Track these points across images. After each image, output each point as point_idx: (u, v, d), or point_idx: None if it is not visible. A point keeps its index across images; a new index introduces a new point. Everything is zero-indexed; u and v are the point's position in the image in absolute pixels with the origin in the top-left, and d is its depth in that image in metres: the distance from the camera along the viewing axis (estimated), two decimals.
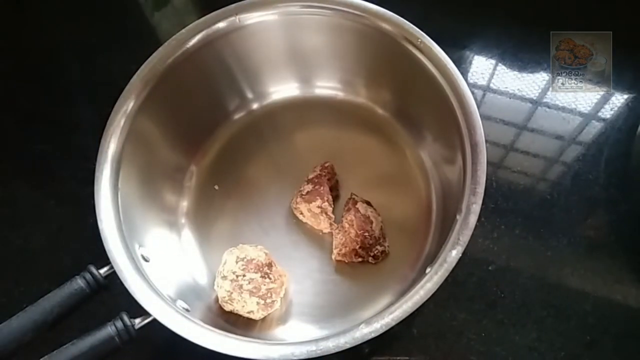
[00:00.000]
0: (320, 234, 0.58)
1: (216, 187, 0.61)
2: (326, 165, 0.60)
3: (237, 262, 0.52)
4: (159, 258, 0.50)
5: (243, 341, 0.40)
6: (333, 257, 0.55)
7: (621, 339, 0.55)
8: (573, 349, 0.54)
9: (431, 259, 0.45)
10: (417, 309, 0.40)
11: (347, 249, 0.54)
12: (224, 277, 0.51)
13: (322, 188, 0.57)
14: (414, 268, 0.54)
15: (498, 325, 0.55)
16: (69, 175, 0.66)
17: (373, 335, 0.39)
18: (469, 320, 0.55)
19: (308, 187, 0.57)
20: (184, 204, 0.60)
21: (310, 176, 0.59)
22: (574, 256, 0.58)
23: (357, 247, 0.54)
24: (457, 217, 0.44)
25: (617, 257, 0.58)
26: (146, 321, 0.42)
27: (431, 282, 0.41)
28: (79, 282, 0.43)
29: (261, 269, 0.52)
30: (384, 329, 0.39)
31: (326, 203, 0.56)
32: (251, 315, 0.52)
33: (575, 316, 0.55)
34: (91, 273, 0.44)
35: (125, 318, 0.42)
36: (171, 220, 0.58)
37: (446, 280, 0.41)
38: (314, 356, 0.39)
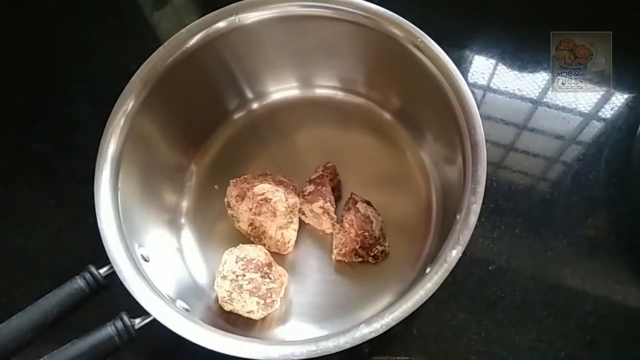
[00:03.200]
0: (321, 234, 0.58)
1: (216, 187, 0.61)
2: (328, 165, 0.60)
3: (237, 262, 0.52)
4: (158, 258, 0.50)
5: (243, 341, 0.40)
6: (333, 257, 0.55)
7: (621, 339, 0.55)
8: (573, 349, 0.54)
9: (431, 259, 0.45)
10: (417, 309, 0.40)
11: (347, 248, 0.54)
12: (224, 277, 0.51)
13: (324, 188, 0.57)
14: (414, 268, 0.54)
15: (498, 325, 0.55)
16: (69, 175, 0.66)
17: (373, 335, 0.39)
18: (469, 320, 0.55)
19: (310, 188, 0.57)
20: (184, 203, 0.60)
21: (313, 177, 0.59)
22: (574, 256, 0.58)
23: (357, 247, 0.54)
24: (458, 216, 0.44)
25: (618, 257, 0.58)
26: (146, 321, 0.42)
27: (431, 282, 0.41)
28: (78, 282, 0.43)
29: (261, 269, 0.52)
30: (384, 329, 0.39)
31: (328, 204, 0.56)
32: (251, 315, 0.52)
33: (576, 316, 0.55)
34: (91, 273, 0.44)
35: (125, 318, 0.42)
36: (171, 220, 0.58)
37: (446, 280, 0.41)
38: (313, 356, 0.39)
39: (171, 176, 0.60)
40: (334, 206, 0.57)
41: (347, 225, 0.55)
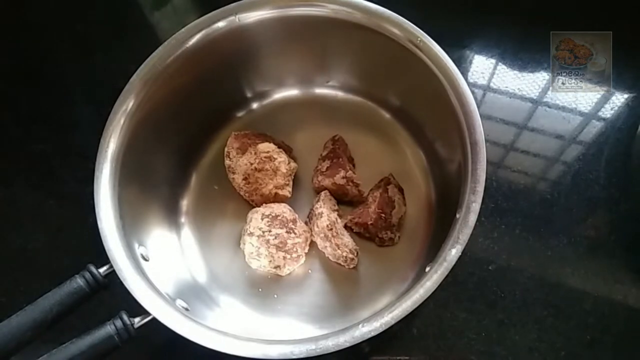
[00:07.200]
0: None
1: (216, 187, 0.61)
2: (336, 138, 0.61)
3: (262, 219, 0.54)
4: (158, 257, 0.50)
5: (242, 340, 0.40)
6: (346, 221, 0.56)
7: (621, 339, 0.55)
8: (573, 348, 0.54)
9: (431, 258, 0.45)
10: (417, 309, 0.40)
11: (361, 220, 0.55)
12: (251, 234, 0.53)
13: (340, 160, 0.58)
14: (414, 267, 0.54)
15: (498, 325, 0.55)
16: (69, 175, 0.66)
17: (372, 334, 0.39)
18: (469, 320, 0.55)
19: (326, 164, 0.58)
20: (184, 203, 0.60)
21: (324, 153, 0.60)
22: (574, 256, 0.58)
23: (370, 222, 0.54)
24: (457, 215, 0.44)
25: (617, 257, 0.58)
26: (145, 320, 0.42)
27: (431, 281, 0.41)
28: (78, 281, 0.43)
29: (286, 225, 0.54)
30: (384, 327, 0.39)
31: (350, 172, 0.57)
32: (277, 271, 0.54)
33: (576, 316, 0.55)
34: (91, 272, 0.44)
35: (125, 317, 0.42)
36: (171, 220, 0.58)
37: (446, 280, 0.41)
38: (313, 355, 0.39)
39: (171, 176, 0.60)
40: (355, 173, 0.58)
41: (370, 199, 0.56)
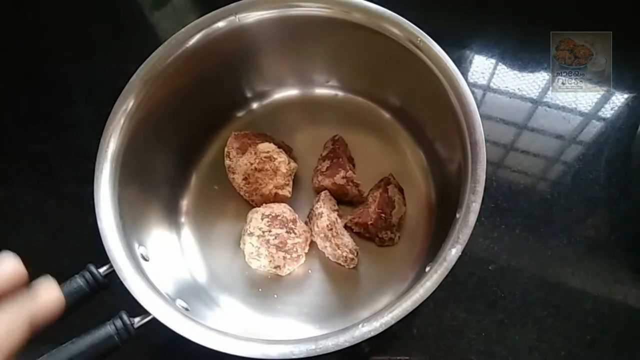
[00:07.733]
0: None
1: (216, 187, 0.61)
2: (336, 138, 0.61)
3: (262, 219, 0.54)
4: (158, 257, 0.50)
5: (242, 340, 0.40)
6: (346, 221, 0.56)
7: (621, 338, 0.55)
8: (573, 348, 0.54)
9: (431, 258, 0.45)
10: (417, 309, 0.40)
11: (361, 220, 0.55)
12: (251, 234, 0.53)
13: (340, 160, 0.58)
14: (414, 267, 0.54)
15: (498, 325, 0.55)
16: (69, 175, 0.66)
17: (372, 334, 0.39)
18: (469, 320, 0.55)
19: (326, 164, 0.58)
20: (184, 203, 0.60)
21: (324, 153, 0.60)
22: (574, 256, 0.58)
23: (370, 222, 0.54)
24: (457, 215, 0.44)
25: (617, 257, 0.58)
26: (145, 320, 0.42)
27: (431, 281, 0.41)
28: (78, 281, 0.43)
29: (286, 225, 0.54)
30: (383, 327, 0.39)
31: (350, 172, 0.57)
32: (278, 271, 0.54)
33: (576, 316, 0.55)
34: (91, 272, 0.44)
35: (125, 317, 0.42)
36: (171, 220, 0.58)
37: (446, 279, 0.41)
38: (313, 355, 0.39)
39: (171, 176, 0.60)
40: (355, 174, 0.58)
41: (369, 199, 0.56)
